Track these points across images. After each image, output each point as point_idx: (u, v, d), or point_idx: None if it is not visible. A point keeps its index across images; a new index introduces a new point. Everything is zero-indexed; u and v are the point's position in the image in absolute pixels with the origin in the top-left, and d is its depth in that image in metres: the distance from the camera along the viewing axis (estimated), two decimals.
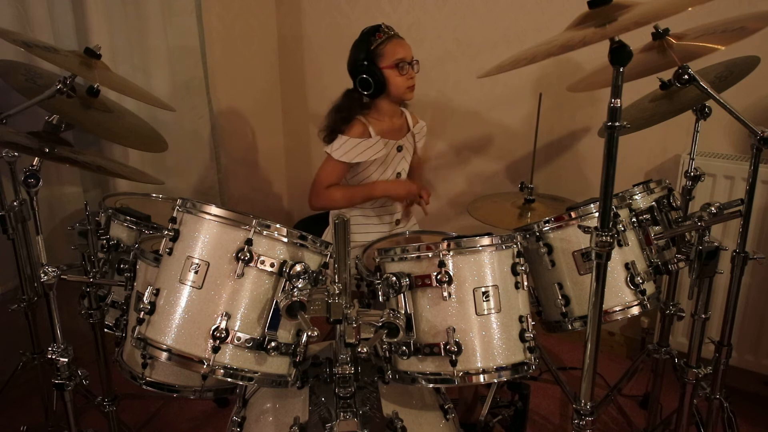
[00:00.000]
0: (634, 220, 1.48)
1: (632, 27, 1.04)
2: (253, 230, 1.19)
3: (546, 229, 1.48)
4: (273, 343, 1.21)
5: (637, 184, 1.56)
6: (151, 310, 1.22)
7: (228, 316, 1.17)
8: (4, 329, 2.16)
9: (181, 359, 1.19)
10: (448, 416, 1.39)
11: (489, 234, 1.30)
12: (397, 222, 2.16)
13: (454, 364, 1.24)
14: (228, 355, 1.19)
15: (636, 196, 1.54)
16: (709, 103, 1.65)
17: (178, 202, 1.27)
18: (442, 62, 2.67)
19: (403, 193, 2.06)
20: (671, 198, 1.53)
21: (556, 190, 2.34)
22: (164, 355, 1.19)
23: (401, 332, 1.19)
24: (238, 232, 1.20)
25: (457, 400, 1.86)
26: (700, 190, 1.84)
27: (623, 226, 1.44)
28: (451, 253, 1.26)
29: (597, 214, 1.17)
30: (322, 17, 3.00)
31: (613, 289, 1.43)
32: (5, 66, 1.68)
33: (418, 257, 1.28)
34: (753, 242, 2.07)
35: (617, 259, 1.43)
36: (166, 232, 1.24)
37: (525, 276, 1.32)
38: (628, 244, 1.45)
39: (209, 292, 1.19)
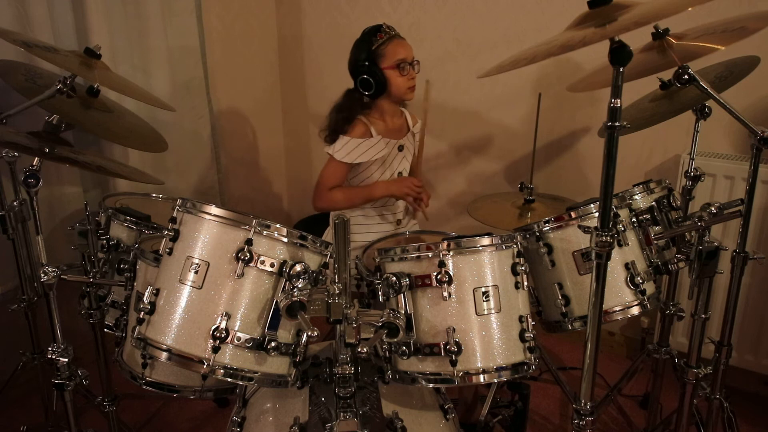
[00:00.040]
0: (634, 220, 1.48)
1: (632, 27, 1.04)
2: (253, 230, 1.19)
3: (546, 229, 1.48)
4: (273, 343, 1.21)
5: (637, 184, 1.56)
6: (151, 310, 1.22)
7: (228, 316, 1.17)
8: (4, 329, 2.16)
9: (181, 359, 1.19)
10: (448, 416, 1.39)
11: (489, 234, 1.30)
12: (399, 222, 2.16)
13: (454, 364, 1.24)
14: (228, 355, 1.19)
15: (636, 196, 1.54)
16: (709, 103, 1.65)
17: (178, 202, 1.27)
18: (442, 62, 2.67)
19: (405, 189, 2.02)
20: (671, 198, 1.53)
21: (556, 190, 2.34)
22: (164, 355, 1.19)
23: (401, 332, 1.19)
24: (238, 232, 1.20)
25: (457, 400, 1.86)
26: (700, 190, 1.84)
27: (623, 226, 1.44)
28: (451, 253, 1.26)
29: (597, 214, 1.17)
30: (322, 17, 3.00)
31: (613, 289, 1.43)
32: (5, 66, 1.68)
33: (418, 257, 1.28)
34: (753, 242, 2.07)
35: (617, 259, 1.43)
36: (166, 232, 1.24)
37: (525, 276, 1.32)
38: (628, 244, 1.45)
39: (209, 292, 1.19)
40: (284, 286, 1.22)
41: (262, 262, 1.19)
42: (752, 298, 2.11)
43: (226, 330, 1.17)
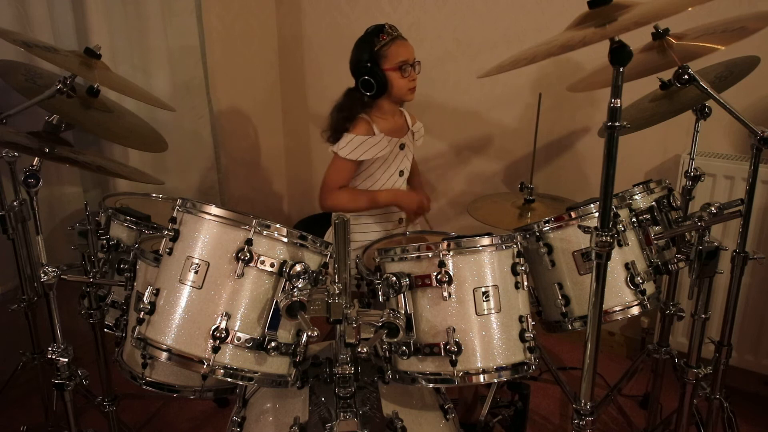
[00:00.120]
0: (634, 220, 1.48)
1: (632, 27, 1.04)
2: (253, 230, 1.19)
3: (546, 229, 1.48)
4: (273, 343, 1.21)
5: (637, 184, 1.56)
6: (151, 310, 1.22)
7: (228, 316, 1.17)
8: (4, 329, 2.16)
9: (181, 359, 1.19)
10: (448, 416, 1.39)
11: (489, 234, 1.30)
12: (401, 221, 2.16)
13: (454, 364, 1.24)
14: (228, 355, 1.19)
15: (636, 196, 1.54)
16: (709, 103, 1.65)
17: (178, 202, 1.27)
18: (442, 62, 2.67)
19: (414, 207, 2.08)
20: (671, 198, 1.53)
21: (556, 190, 2.34)
22: (164, 355, 1.19)
23: (401, 332, 1.19)
24: (238, 232, 1.20)
25: (457, 400, 1.86)
26: (700, 190, 1.84)
27: (623, 226, 1.44)
28: (451, 253, 1.26)
29: (597, 214, 1.17)
30: (322, 17, 3.00)
31: (613, 289, 1.43)
32: (5, 66, 1.68)
33: (418, 257, 1.28)
34: (753, 242, 2.07)
35: (617, 259, 1.43)
36: (166, 232, 1.24)
37: (525, 276, 1.32)
38: (628, 244, 1.45)
39: (209, 292, 1.19)
40: (284, 286, 1.22)
41: (262, 262, 1.19)
42: (752, 298, 2.11)
43: (226, 330, 1.17)
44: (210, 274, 1.19)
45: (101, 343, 1.64)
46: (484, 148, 2.72)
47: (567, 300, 1.47)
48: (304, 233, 1.25)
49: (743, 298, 2.10)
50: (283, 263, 1.21)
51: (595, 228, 1.13)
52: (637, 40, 1.28)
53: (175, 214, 1.26)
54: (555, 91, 2.39)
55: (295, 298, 1.13)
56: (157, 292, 1.23)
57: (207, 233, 1.21)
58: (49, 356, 1.43)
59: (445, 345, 1.24)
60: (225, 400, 2.23)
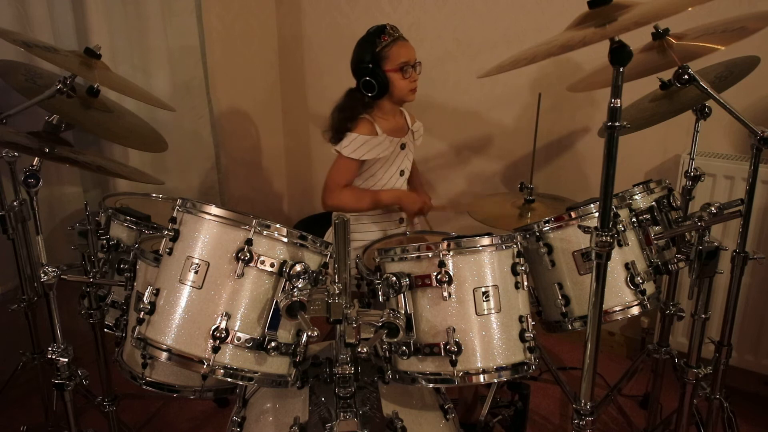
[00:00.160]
0: (634, 220, 1.48)
1: (632, 27, 1.04)
2: (253, 230, 1.19)
3: (546, 229, 1.48)
4: (273, 343, 1.21)
5: (637, 184, 1.56)
6: (151, 310, 1.22)
7: (228, 316, 1.17)
8: (4, 329, 2.16)
9: (181, 359, 1.19)
10: (448, 416, 1.39)
11: (489, 234, 1.30)
12: (401, 221, 2.16)
13: (454, 364, 1.24)
14: (228, 355, 1.19)
15: (636, 196, 1.54)
16: (709, 103, 1.65)
17: (178, 202, 1.27)
18: (442, 62, 2.67)
19: (417, 207, 2.09)
20: (671, 198, 1.53)
21: (556, 190, 2.33)
22: (164, 355, 1.19)
23: (401, 332, 1.19)
24: (238, 232, 1.20)
25: (457, 400, 1.86)
26: (700, 190, 1.84)
27: (623, 226, 1.44)
28: (451, 253, 1.26)
29: (597, 214, 1.17)
30: (322, 17, 3.00)
31: (613, 289, 1.43)
32: (5, 66, 1.68)
33: (418, 257, 1.28)
34: (753, 242, 2.07)
35: (617, 259, 1.43)
36: (166, 232, 1.24)
37: (525, 276, 1.32)
38: (628, 244, 1.45)
39: (209, 292, 1.19)
40: (284, 286, 1.22)
41: (262, 262, 1.19)
42: (752, 298, 2.11)
43: (226, 330, 1.17)
44: (210, 274, 1.19)
45: (101, 343, 1.64)
46: (484, 148, 2.72)
47: (567, 300, 1.47)
48: (304, 233, 1.25)
49: (743, 298, 2.10)
50: (283, 263, 1.21)
51: (595, 228, 1.13)
52: (637, 40, 1.28)
53: (175, 214, 1.26)
54: (555, 91, 2.39)
55: (295, 298, 1.13)
56: (157, 292, 1.23)
57: (207, 233, 1.21)
58: (49, 356, 1.43)
59: (445, 345, 1.24)
60: (225, 400, 2.23)
